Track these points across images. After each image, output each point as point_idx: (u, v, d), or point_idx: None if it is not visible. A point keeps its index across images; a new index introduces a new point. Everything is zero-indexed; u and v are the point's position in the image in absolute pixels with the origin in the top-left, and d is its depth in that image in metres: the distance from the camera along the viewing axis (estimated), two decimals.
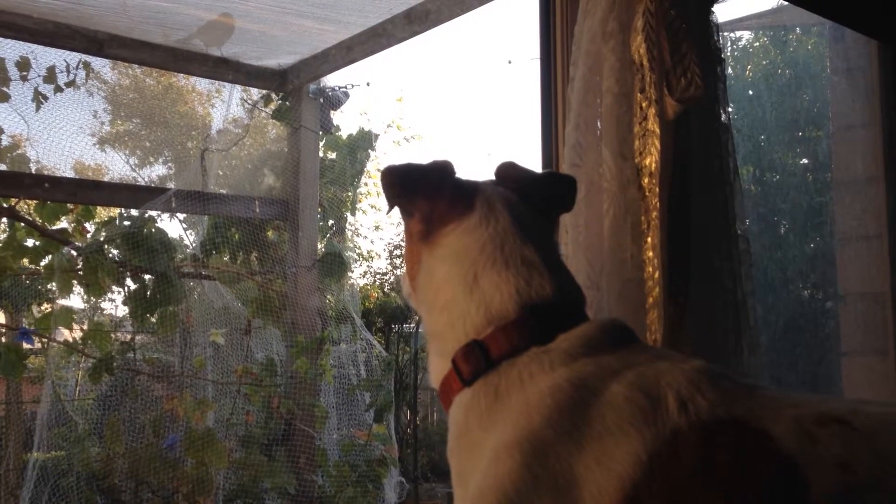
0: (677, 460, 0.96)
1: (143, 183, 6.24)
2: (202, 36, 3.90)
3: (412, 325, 7.45)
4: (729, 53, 3.91)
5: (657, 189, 1.52)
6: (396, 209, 1.30)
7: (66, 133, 4.14)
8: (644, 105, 1.54)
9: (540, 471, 0.98)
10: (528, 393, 1.06)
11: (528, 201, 1.26)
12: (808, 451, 0.93)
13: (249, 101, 4.81)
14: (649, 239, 1.53)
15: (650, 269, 1.53)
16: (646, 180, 1.54)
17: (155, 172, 6.88)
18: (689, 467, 0.95)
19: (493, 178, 1.33)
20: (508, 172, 1.33)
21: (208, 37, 3.90)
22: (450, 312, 1.18)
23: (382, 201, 9.42)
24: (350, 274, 5.03)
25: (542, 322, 1.13)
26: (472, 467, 1.07)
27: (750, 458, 0.95)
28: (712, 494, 0.94)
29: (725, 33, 3.62)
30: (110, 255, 3.89)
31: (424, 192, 1.24)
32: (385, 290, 9.34)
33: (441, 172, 1.27)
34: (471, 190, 1.25)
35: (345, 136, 4.94)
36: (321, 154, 4.78)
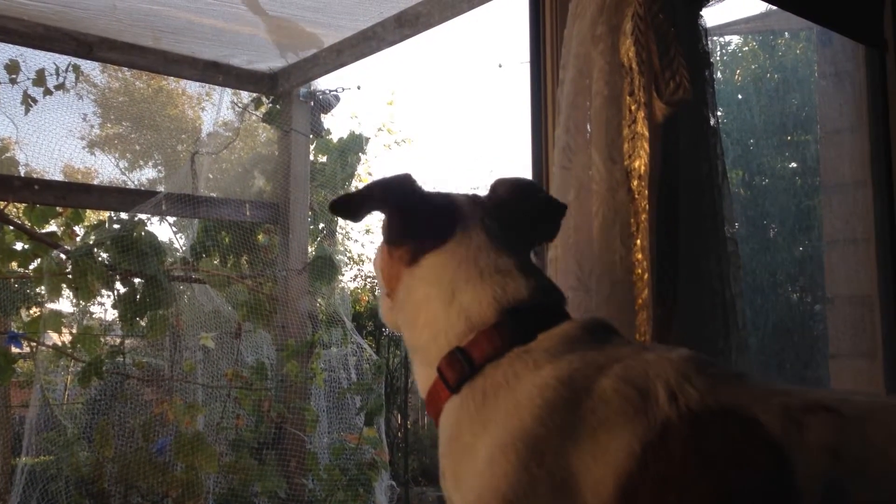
0: (669, 450, 0.97)
1: (132, 186, 6.23)
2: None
3: None
4: (718, 58, 3.93)
5: (646, 192, 1.53)
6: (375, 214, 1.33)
7: (56, 136, 4.12)
8: (633, 108, 1.55)
9: (536, 469, 0.99)
10: (516, 393, 1.06)
11: (505, 213, 1.29)
12: (795, 437, 0.95)
13: (240, 105, 4.80)
14: (638, 241, 1.54)
15: (639, 272, 1.53)
16: (635, 183, 1.55)
17: (145, 176, 6.88)
18: (681, 457, 0.97)
19: (490, 191, 1.35)
20: (502, 190, 1.35)
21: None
22: (431, 327, 1.20)
23: None
24: (340, 277, 5.02)
25: (522, 323, 1.14)
26: (466, 470, 1.07)
27: (740, 446, 0.97)
28: (704, 482, 0.95)
29: (714, 38, 3.64)
30: (100, 259, 3.87)
31: (414, 234, 1.27)
32: (375, 293, 9.31)
33: (435, 216, 1.28)
34: (451, 216, 1.27)
35: (335, 140, 4.95)
36: (312, 157, 4.78)
